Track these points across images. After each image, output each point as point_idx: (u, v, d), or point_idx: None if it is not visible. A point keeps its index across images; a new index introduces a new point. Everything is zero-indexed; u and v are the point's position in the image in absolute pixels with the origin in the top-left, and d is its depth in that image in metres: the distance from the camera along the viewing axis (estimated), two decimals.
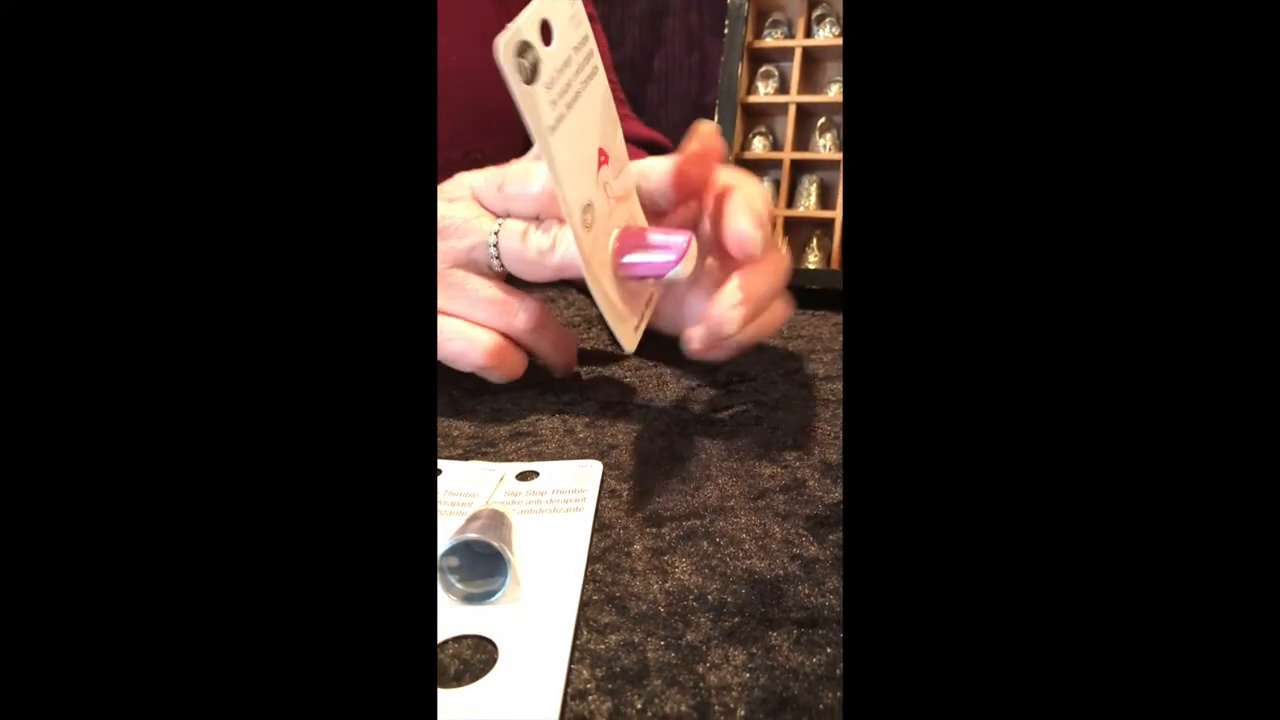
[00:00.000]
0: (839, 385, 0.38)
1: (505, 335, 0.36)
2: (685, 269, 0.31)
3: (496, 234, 0.35)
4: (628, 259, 0.32)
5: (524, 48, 0.27)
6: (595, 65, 0.32)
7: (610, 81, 0.81)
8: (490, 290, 0.36)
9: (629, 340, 0.33)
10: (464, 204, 0.37)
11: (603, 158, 0.32)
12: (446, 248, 0.36)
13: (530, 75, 0.27)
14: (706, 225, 0.37)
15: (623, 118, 0.81)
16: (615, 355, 0.43)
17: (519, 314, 0.36)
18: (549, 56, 0.28)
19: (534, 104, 0.28)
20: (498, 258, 0.35)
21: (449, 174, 0.39)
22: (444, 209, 0.37)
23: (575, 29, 0.30)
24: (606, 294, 0.31)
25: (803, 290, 0.51)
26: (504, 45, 0.25)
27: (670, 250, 0.31)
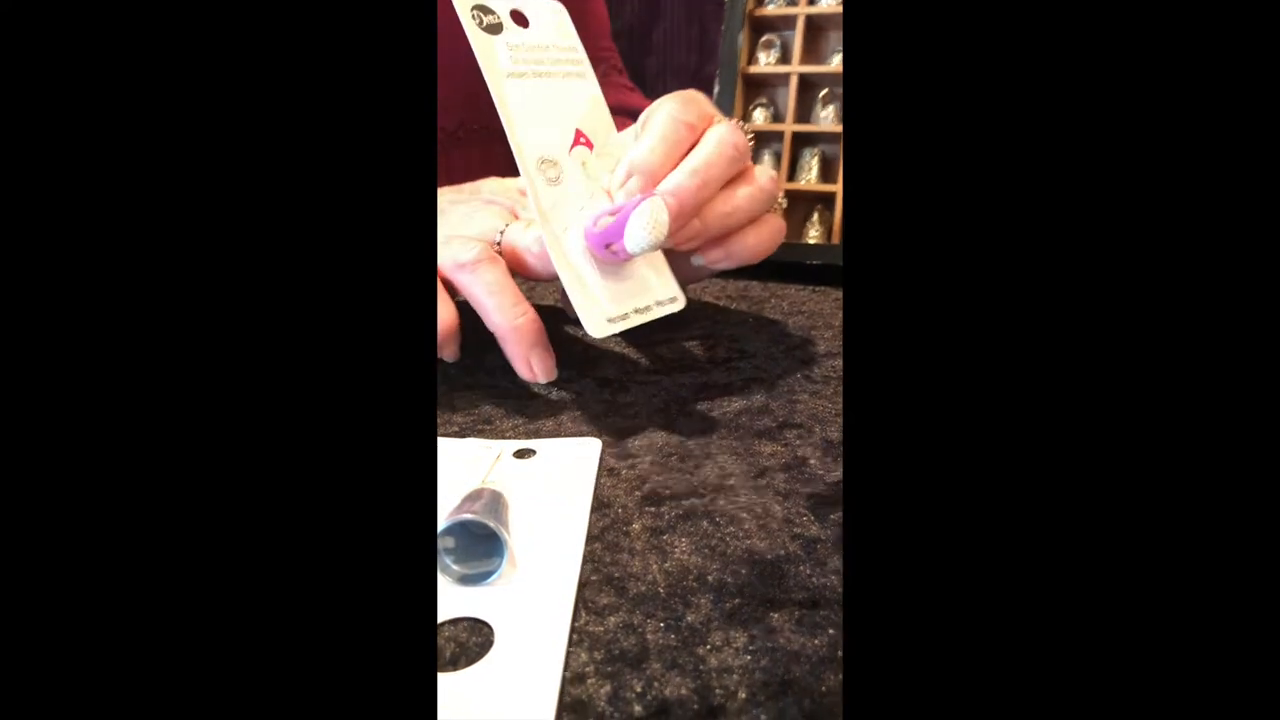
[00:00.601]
0: (840, 362, 0.38)
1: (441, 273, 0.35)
2: (646, 235, 0.30)
3: (507, 224, 0.35)
4: (591, 227, 0.32)
5: (483, 8, 0.30)
6: (585, 73, 0.34)
7: (606, 48, 0.81)
8: (462, 240, 0.35)
9: (594, 323, 0.31)
10: (498, 209, 0.37)
11: (581, 139, 0.33)
12: (454, 232, 0.36)
13: (490, 31, 0.31)
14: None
15: (624, 88, 0.80)
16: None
17: (469, 248, 0.34)
18: (520, 33, 0.32)
19: (489, 51, 0.31)
20: (499, 245, 0.35)
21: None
22: (477, 206, 0.38)
23: (561, 36, 0.34)
24: (569, 263, 0.31)
25: (804, 266, 0.50)
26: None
27: (625, 210, 0.30)
